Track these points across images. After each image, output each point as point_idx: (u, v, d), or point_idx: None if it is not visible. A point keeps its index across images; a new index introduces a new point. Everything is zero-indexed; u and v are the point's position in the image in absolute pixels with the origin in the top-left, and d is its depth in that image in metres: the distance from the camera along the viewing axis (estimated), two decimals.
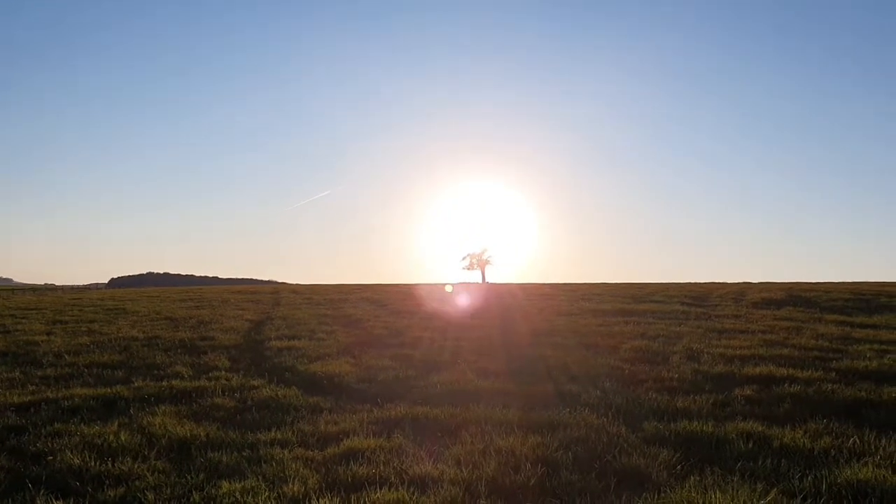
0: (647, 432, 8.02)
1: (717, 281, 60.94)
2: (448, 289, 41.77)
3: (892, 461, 6.77)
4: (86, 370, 12.61)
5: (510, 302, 31.93)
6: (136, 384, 11.21)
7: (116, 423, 8.60)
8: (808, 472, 6.49)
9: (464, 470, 6.56)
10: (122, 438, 7.80)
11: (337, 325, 21.19)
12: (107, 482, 6.46)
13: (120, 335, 18.02)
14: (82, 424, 8.58)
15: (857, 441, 7.52)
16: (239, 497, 5.95)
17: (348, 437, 7.91)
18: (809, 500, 5.70)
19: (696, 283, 54.43)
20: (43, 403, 9.77)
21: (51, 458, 7.14)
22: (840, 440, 7.61)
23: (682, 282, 62.11)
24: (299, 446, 7.67)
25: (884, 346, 15.28)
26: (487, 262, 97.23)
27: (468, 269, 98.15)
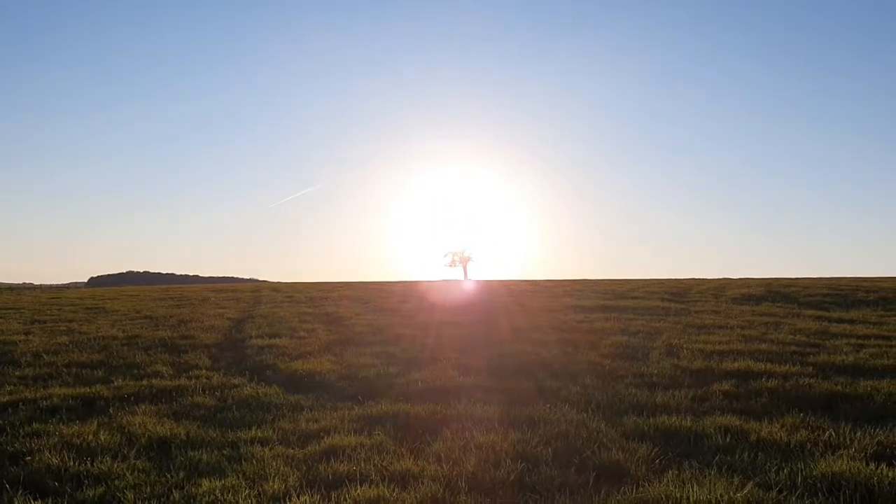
0: (626, 427, 8.10)
1: (697, 277, 61.37)
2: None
3: (865, 453, 6.88)
4: (65, 370, 12.51)
5: (492, 299, 32.00)
6: (115, 383, 11.15)
7: (96, 423, 8.56)
8: (784, 465, 6.58)
9: (444, 466, 6.60)
10: (102, 438, 7.77)
11: (318, 322, 21.15)
12: (86, 482, 6.43)
13: (99, 334, 17.88)
14: (61, 424, 8.54)
15: (833, 434, 7.63)
16: (219, 495, 5.95)
17: (329, 434, 7.92)
18: (785, 493, 5.77)
19: (676, 280, 54.77)
20: (21, 403, 9.69)
21: (29, 458, 7.10)
22: (816, 433, 7.72)
23: (662, 278, 62.48)
24: (280, 444, 7.67)
25: (860, 341, 15.48)
26: (469, 259, 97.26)
27: (450, 266, 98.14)
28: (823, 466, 6.34)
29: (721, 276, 58.46)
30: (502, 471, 6.40)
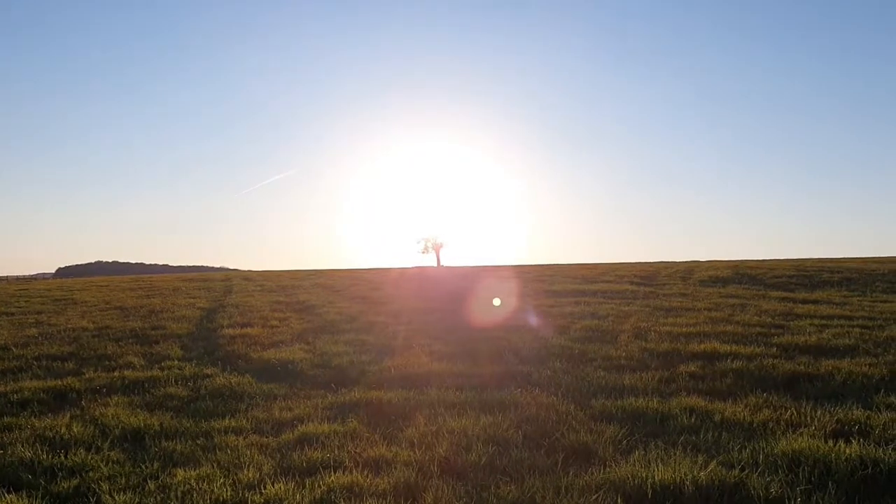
0: (595, 409, 8.26)
1: (666, 260, 62.05)
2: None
3: (825, 431, 7.10)
4: (34, 362, 12.43)
5: (465, 284, 32.14)
6: (87, 375, 11.11)
7: (68, 415, 8.55)
8: (747, 443, 6.77)
9: (417, 451, 6.71)
10: (75, 430, 7.77)
11: (290, 311, 21.15)
12: (60, 474, 6.45)
13: (69, 326, 17.75)
14: (33, 417, 8.52)
15: (794, 413, 7.85)
16: (194, 484, 6.01)
17: (303, 422, 8.00)
18: (747, 471, 5.95)
19: (645, 263, 55.39)
20: None
21: (1, 451, 7.09)
22: (778, 412, 7.94)
23: (632, 261, 63.12)
24: (254, 433, 7.73)
25: (823, 321, 15.84)
26: (442, 245, 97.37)
27: (423, 252, 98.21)
28: (784, 445, 6.54)
29: (689, 259, 59.19)
30: (474, 454, 6.53)
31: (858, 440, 6.62)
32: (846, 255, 58.65)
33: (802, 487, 5.58)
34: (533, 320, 17.17)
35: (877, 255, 60.48)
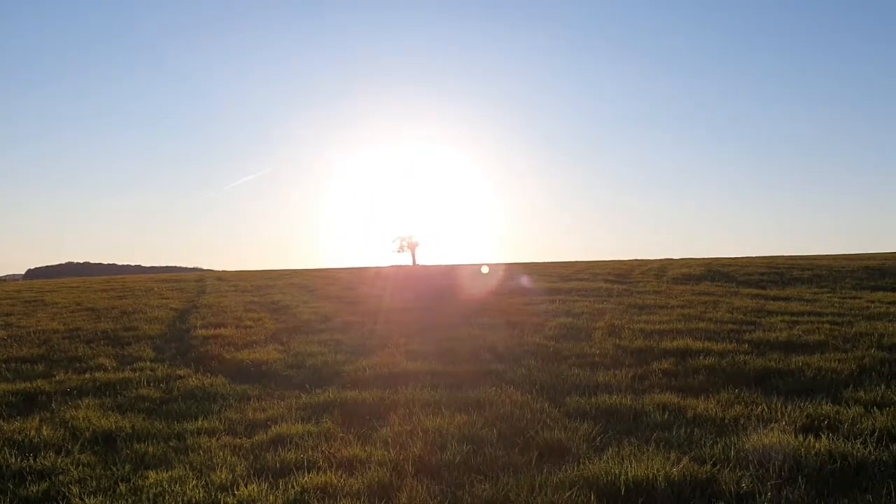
0: (569, 407, 8.31)
1: (640, 258, 62.43)
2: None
3: (795, 426, 7.19)
4: (3, 365, 12.24)
5: (440, 283, 32.14)
6: (57, 378, 10.97)
7: (38, 418, 8.44)
8: (718, 439, 6.85)
9: (391, 451, 6.71)
10: (45, 433, 7.68)
11: (264, 311, 21.01)
12: (29, 478, 6.37)
13: (39, 328, 17.50)
14: (1, 421, 8.40)
15: (765, 408, 7.95)
16: (166, 486, 5.96)
17: (276, 423, 7.96)
18: (718, 467, 6.02)
19: (619, 261, 55.62)
20: None
21: None
22: (750, 408, 8.03)
23: (606, 259, 63.44)
24: (227, 434, 7.68)
25: (794, 318, 16.03)
26: (417, 244, 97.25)
27: (398, 251, 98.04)
28: (755, 440, 6.62)
29: (663, 257, 59.59)
30: (448, 453, 6.54)
31: (828, 435, 6.71)
32: (817, 253, 59.41)
33: (773, 482, 5.65)
34: (508, 318, 17.20)
35: (847, 253, 61.32)
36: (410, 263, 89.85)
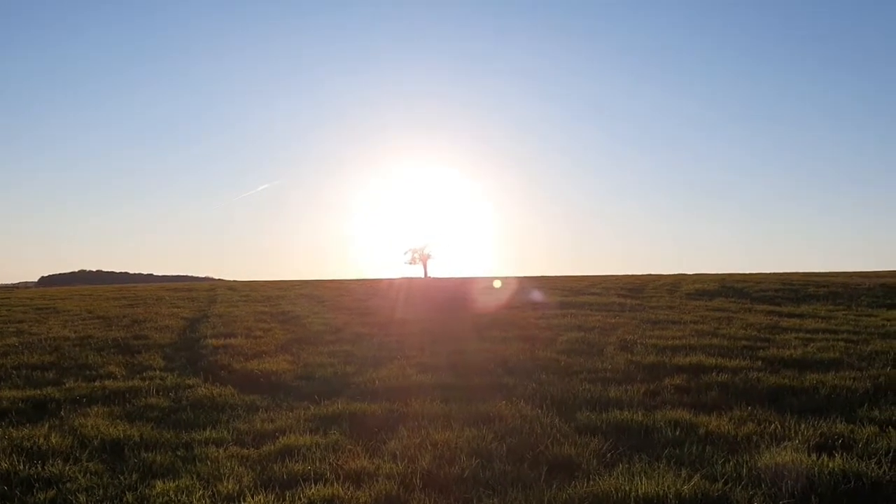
0: (579, 422, 8.23)
1: (653, 272, 62.25)
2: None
3: (809, 445, 7.09)
4: (14, 372, 12.27)
5: (452, 296, 32.12)
6: (67, 385, 10.98)
7: (47, 426, 8.44)
8: (730, 457, 6.76)
9: (400, 464, 6.65)
10: (53, 440, 7.67)
11: (275, 322, 21.02)
12: (37, 485, 6.35)
13: (50, 335, 17.56)
14: (10, 427, 8.40)
15: (779, 426, 7.85)
16: (173, 496, 5.93)
17: (284, 434, 7.92)
18: (730, 485, 5.93)
19: (633, 276, 55.48)
20: None
21: None
22: (762, 426, 7.93)
23: (619, 274, 63.25)
24: (234, 445, 7.65)
25: (808, 335, 15.89)
26: (429, 256, 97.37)
27: (410, 263, 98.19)
28: (768, 458, 6.53)
29: (676, 272, 59.41)
30: (457, 467, 6.48)
31: (842, 454, 6.62)
32: (833, 270, 58.97)
33: (785, 501, 5.57)
34: (519, 332, 17.13)
35: (863, 270, 60.85)
36: (422, 276, 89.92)
